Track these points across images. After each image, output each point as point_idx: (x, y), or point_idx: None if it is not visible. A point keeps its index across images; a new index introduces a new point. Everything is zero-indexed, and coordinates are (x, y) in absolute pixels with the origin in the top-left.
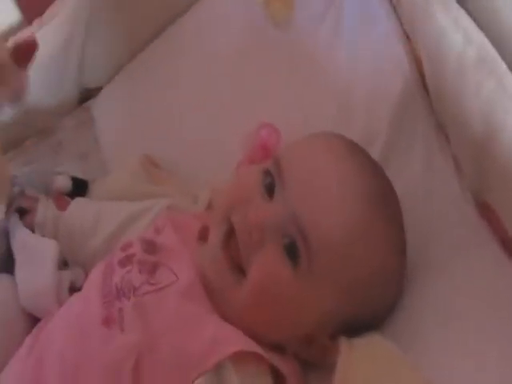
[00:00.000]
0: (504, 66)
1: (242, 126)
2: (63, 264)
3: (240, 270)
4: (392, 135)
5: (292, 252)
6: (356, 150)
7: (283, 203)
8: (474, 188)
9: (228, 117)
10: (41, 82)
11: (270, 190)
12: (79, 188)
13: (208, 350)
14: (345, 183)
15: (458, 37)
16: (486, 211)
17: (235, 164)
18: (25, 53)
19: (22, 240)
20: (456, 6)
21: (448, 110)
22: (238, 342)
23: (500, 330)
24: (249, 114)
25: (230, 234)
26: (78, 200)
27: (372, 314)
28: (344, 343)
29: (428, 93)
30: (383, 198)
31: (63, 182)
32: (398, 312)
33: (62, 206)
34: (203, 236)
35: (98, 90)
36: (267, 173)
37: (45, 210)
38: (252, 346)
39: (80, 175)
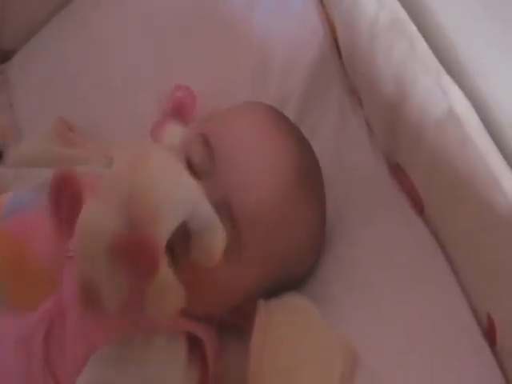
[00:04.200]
0: (414, 28)
1: (159, 88)
2: None
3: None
4: (306, 98)
5: None
6: (283, 124)
7: (213, 182)
8: (386, 149)
9: (144, 80)
10: None
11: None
12: None
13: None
14: (271, 161)
15: (371, 2)
16: (397, 172)
17: (151, 126)
18: None
19: None
20: None
21: (361, 74)
22: None
23: (404, 291)
24: (165, 77)
25: None
26: None
27: (293, 278)
28: (262, 305)
29: (342, 58)
30: (308, 173)
31: None
32: (313, 274)
33: None
34: None
35: (13, 52)
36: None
37: None
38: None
39: None
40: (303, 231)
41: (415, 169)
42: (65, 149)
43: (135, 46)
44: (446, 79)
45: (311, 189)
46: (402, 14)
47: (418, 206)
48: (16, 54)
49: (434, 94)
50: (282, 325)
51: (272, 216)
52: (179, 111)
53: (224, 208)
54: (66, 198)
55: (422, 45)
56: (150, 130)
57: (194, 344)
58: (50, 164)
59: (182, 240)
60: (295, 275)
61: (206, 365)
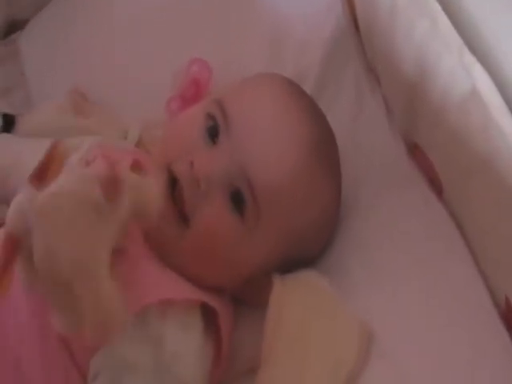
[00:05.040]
0: (438, 6)
1: (174, 61)
2: None
3: (183, 219)
4: (322, 75)
5: (238, 201)
6: (300, 96)
7: (230, 151)
8: (403, 129)
9: (159, 52)
10: None
11: (212, 135)
12: (6, 123)
13: (132, 298)
14: (290, 133)
15: None
16: (415, 151)
17: (165, 99)
18: None
19: None
20: None
21: (380, 51)
22: (166, 289)
23: (420, 269)
24: (181, 50)
25: (172, 183)
26: (2, 136)
27: (307, 254)
28: (277, 280)
29: (360, 36)
30: (325, 147)
31: None
32: (328, 250)
33: None
34: (135, 169)
35: (25, 22)
36: (210, 117)
37: None
38: (179, 293)
39: (6, 109)
40: (319, 206)
41: (434, 149)
42: (77, 119)
43: (151, 20)
44: (470, 59)
45: (327, 164)
46: None
47: (437, 187)
48: (28, 23)
49: (457, 73)
50: (297, 301)
51: (289, 190)
52: (196, 84)
53: (242, 180)
54: None
55: (444, 21)
56: (165, 104)
57: (210, 322)
58: (62, 134)
59: None
60: (309, 251)
61: (220, 338)
